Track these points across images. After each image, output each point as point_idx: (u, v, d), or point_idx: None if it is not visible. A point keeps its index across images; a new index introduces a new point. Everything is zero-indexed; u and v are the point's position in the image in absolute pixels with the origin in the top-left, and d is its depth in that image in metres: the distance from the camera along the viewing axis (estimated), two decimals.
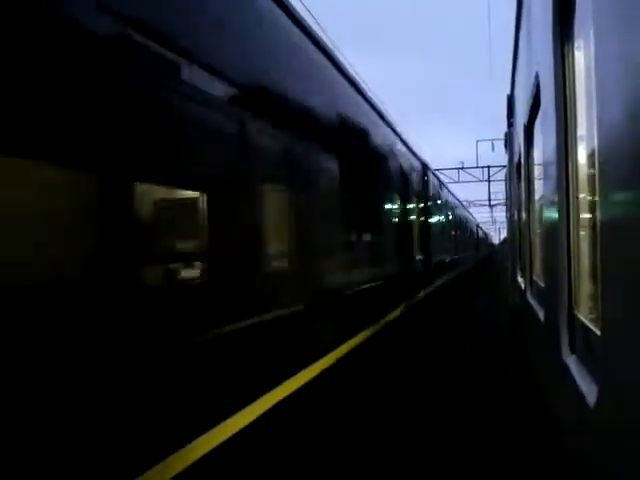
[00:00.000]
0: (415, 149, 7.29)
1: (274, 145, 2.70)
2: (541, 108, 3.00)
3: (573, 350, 2.21)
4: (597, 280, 1.66)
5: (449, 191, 14.01)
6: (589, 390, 1.63)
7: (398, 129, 6.11)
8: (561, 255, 2.33)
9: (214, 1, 2.18)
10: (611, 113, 1.27)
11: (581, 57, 2.12)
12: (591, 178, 2.03)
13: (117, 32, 1.62)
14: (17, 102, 1.37)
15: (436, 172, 10.41)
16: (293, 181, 2.86)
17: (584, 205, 2.23)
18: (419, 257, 7.37)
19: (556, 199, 2.36)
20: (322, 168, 3.39)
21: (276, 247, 2.76)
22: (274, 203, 2.78)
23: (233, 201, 2.25)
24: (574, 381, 1.88)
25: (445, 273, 10.20)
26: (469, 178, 54.87)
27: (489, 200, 62.52)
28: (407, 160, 6.63)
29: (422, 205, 7.75)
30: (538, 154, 3.59)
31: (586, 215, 2.20)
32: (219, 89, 2.18)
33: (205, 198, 2.05)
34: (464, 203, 79.29)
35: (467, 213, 25.51)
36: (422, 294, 7.17)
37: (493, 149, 48.43)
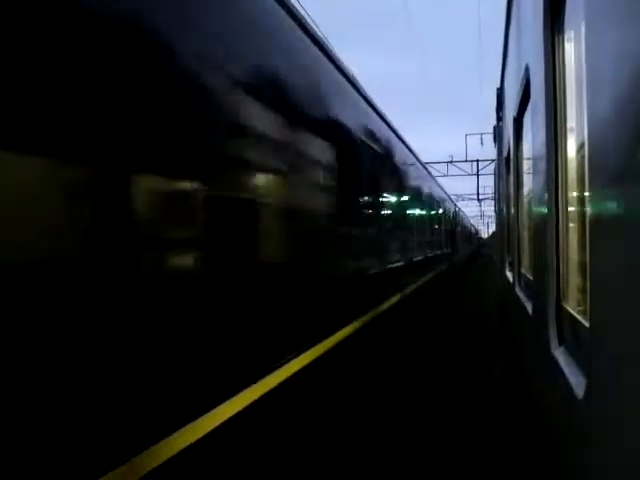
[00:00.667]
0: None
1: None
2: (531, 101, 2.97)
3: (561, 342, 2.21)
4: (585, 273, 1.66)
5: (449, 198, 17.43)
6: (577, 382, 1.63)
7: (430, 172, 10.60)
8: (550, 248, 2.33)
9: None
10: (601, 105, 1.26)
11: (572, 49, 2.10)
12: (580, 171, 2.01)
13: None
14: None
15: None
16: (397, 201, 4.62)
17: (573, 198, 2.21)
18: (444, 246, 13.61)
19: (545, 192, 2.35)
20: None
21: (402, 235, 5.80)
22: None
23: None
24: (562, 373, 1.88)
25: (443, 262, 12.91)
26: (458, 172, 55.05)
27: (478, 194, 62.82)
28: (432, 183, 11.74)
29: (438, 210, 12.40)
30: (527, 147, 3.58)
31: (575, 208, 2.18)
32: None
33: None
34: (453, 197, 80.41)
35: (463, 215, 28.84)
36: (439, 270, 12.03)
37: (482, 143, 48.50)
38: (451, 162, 54.03)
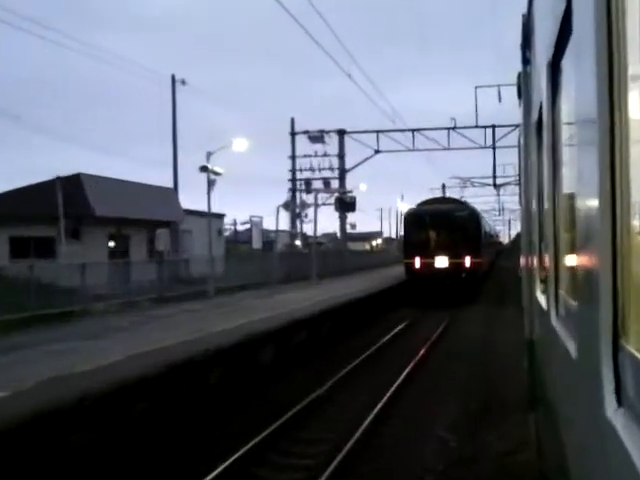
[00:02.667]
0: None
1: None
2: (573, 36, 2.82)
3: (621, 401, 2.19)
4: None
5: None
6: None
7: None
8: (603, 260, 2.28)
9: None
10: None
11: None
12: None
13: None
14: None
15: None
16: None
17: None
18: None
19: (597, 177, 2.26)
20: None
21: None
22: None
23: None
24: (623, 447, 1.85)
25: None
26: (464, 143, 55.47)
27: (494, 177, 63.47)
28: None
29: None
30: (569, 107, 3.36)
31: None
32: None
33: None
34: (456, 180, 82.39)
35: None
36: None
37: (500, 99, 48.83)
38: (454, 128, 54.37)
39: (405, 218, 38.87)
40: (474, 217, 37.97)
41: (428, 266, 34.94)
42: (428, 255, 35.08)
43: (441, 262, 35.22)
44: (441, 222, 35.88)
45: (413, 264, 35.39)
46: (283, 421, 11.52)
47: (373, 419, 11.79)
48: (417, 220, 36.48)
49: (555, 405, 4.34)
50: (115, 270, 28.12)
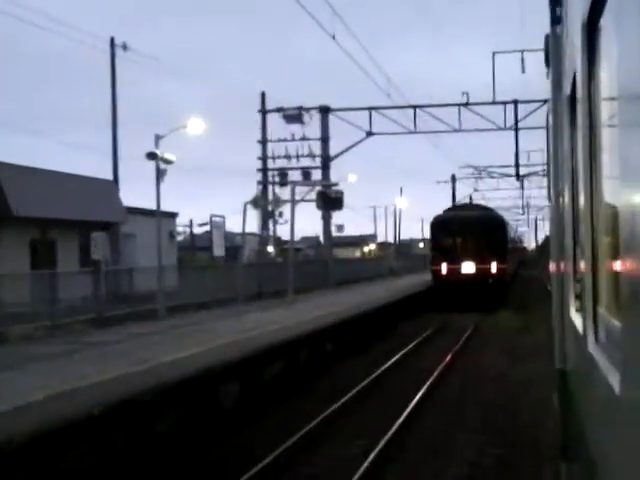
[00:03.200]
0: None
1: None
2: None
3: None
4: None
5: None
6: None
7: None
8: None
9: None
10: None
11: None
12: None
13: None
14: None
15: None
16: None
17: None
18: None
19: None
20: None
21: None
22: None
23: None
24: None
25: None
26: (479, 123, 55.76)
27: (516, 166, 64.14)
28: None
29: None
30: (611, 77, 3.60)
31: None
32: None
33: None
34: (468, 171, 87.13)
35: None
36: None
37: (523, 70, 49.22)
38: (466, 105, 54.75)
39: (432, 225, 48.44)
40: (500, 223, 48.72)
41: (455, 272, 44.78)
42: (455, 261, 45.05)
43: (468, 268, 45.03)
44: (468, 228, 45.98)
45: (440, 270, 45.58)
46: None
47: None
48: (444, 227, 47.01)
49: (593, 454, 4.35)
50: (39, 284, 27.90)
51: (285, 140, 54.18)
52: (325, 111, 53.78)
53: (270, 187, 55.76)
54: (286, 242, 58.29)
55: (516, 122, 51.22)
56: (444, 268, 45.27)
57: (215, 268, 43.89)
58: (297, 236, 63.93)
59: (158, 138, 30.51)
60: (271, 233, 60.78)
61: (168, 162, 30.72)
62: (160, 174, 30.55)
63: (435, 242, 48.08)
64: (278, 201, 53.18)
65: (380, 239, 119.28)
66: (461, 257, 45.11)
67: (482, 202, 72.17)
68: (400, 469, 12.90)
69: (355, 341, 28.08)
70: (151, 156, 30.11)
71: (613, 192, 3.55)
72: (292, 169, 54.78)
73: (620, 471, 3.11)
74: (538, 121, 45.81)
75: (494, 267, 44.75)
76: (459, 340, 30.06)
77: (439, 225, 47.45)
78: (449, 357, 25.24)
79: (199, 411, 15.14)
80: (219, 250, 47.64)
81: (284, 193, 53.04)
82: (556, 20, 7.23)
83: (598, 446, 4.20)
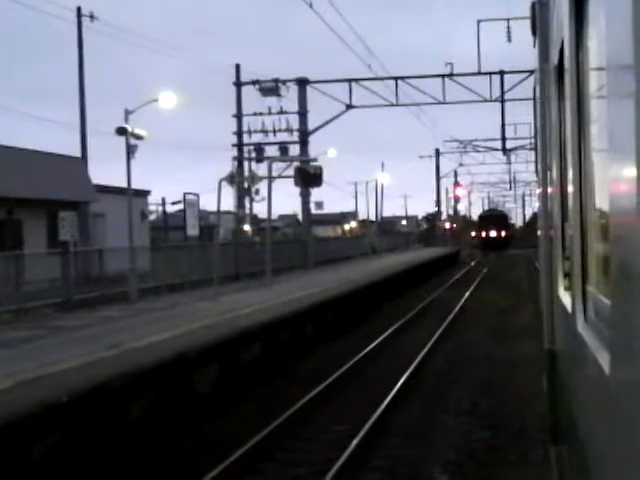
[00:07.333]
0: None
1: None
2: None
3: None
4: None
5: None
6: None
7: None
8: None
9: None
10: None
11: None
12: None
13: None
14: None
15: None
16: None
17: None
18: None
19: (635, 136, 2.24)
20: None
21: None
22: None
23: None
24: None
25: None
26: (464, 95, 55.64)
27: (503, 140, 64.18)
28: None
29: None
30: (599, 46, 3.34)
31: None
32: None
33: None
34: (456, 145, 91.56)
35: None
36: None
37: (510, 38, 49.19)
38: (450, 76, 54.65)
39: (479, 217, 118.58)
40: (505, 216, 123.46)
41: (488, 235, 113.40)
42: (488, 231, 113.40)
43: (493, 234, 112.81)
44: (492, 218, 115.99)
45: (480, 235, 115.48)
46: (222, 469, 11.49)
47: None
48: (483, 217, 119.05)
49: (583, 436, 4.38)
50: (4, 266, 27.69)
51: (261, 114, 53.82)
52: (303, 83, 53.49)
53: (246, 163, 55.54)
54: (263, 220, 58.17)
55: (502, 94, 51.37)
56: (483, 234, 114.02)
57: (189, 248, 43.64)
58: (275, 214, 63.92)
59: (128, 113, 30.28)
60: (247, 211, 60.59)
61: (139, 138, 30.49)
62: (130, 150, 30.33)
63: (480, 224, 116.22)
64: (254, 178, 52.93)
65: (362, 216, 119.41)
66: (490, 229, 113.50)
67: (482, 199, 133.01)
68: (384, 454, 12.89)
69: (338, 322, 28.02)
70: (121, 131, 29.87)
71: (602, 165, 3.55)
72: (269, 144, 54.47)
73: (610, 451, 3.13)
74: (525, 92, 45.82)
75: (503, 233, 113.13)
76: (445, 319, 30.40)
77: (482, 217, 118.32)
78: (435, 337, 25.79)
79: (174, 396, 15.08)
80: (193, 229, 47.42)
81: (261, 169, 52.85)
82: None
83: (587, 427, 4.23)
